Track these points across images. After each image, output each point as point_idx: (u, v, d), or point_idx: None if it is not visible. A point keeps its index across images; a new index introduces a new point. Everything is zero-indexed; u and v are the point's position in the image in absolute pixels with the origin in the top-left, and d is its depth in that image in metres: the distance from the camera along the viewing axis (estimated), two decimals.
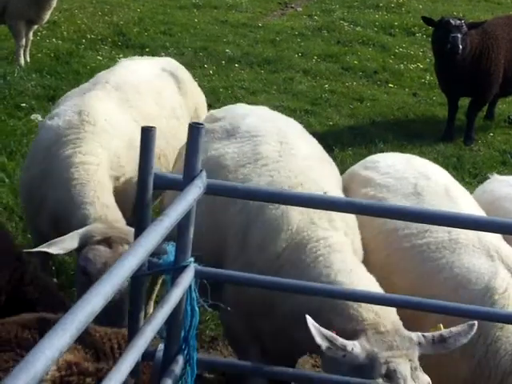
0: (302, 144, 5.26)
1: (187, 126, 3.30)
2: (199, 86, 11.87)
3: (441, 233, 4.80)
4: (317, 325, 3.73)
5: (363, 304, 4.12)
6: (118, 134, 5.78)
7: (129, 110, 6.12)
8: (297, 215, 4.62)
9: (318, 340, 3.70)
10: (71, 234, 4.88)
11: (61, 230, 5.10)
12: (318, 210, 4.51)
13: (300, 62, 13.54)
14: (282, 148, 5.07)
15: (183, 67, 7.13)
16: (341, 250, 4.52)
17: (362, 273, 4.46)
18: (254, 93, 11.94)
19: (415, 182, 5.23)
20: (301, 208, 4.48)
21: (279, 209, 4.64)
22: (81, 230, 4.91)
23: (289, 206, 4.53)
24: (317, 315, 3.92)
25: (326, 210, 4.11)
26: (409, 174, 5.34)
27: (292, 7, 17.49)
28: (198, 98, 7.04)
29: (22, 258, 5.23)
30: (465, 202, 5.12)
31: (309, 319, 3.73)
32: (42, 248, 4.79)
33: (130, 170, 5.63)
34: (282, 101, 11.66)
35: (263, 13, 16.86)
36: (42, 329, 3.92)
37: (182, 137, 5.43)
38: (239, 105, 6.09)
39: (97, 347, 3.86)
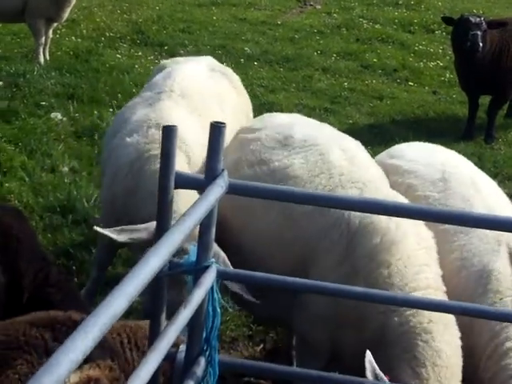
0: (356, 149, 5.32)
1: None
2: None
3: None
4: (373, 362, 3.86)
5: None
6: (192, 143, 5.63)
7: (198, 119, 5.94)
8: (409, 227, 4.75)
9: (368, 375, 3.83)
10: (147, 224, 4.73)
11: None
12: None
13: (319, 60, 13.49)
14: (346, 156, 5.15)
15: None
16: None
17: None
18: (273, 91, 11.90)
19: (443, 169, 5.31)
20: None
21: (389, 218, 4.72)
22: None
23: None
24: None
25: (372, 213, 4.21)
26: (436, 161, 5.42)
27: (311, 5, 17.43)
28: (247, 99, 6.90)
29: (47, 259, 5.22)
30: (489, 192, 5.23)
31: (368, 354, 3.87)
32: (111, 234, 4.71)
33: None
34: (301, 99, 11.62)
35: (282, 10, 16.81)
36: (52, 327, 3.92)
37: None
38: (273, 115, 6.04)
39: (108, 345, 3.84)
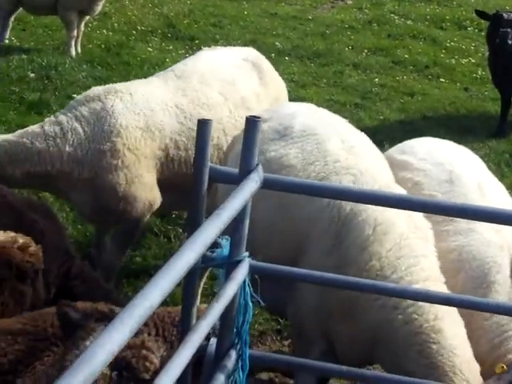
0: (359, 141, 5.25)
1: None
2: None
3: (462, 222, 4.97)
4: None
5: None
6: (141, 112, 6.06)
7: (180, 99, 6.16)
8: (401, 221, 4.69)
9: None
10: None
11: None
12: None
13: (350, 56, 13.44)
14: (344, 146, 5.07)
15: (264, 57, 7.13)
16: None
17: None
18: (303, 86, 11.86)
19: (451, 170, 5.30)
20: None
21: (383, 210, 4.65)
22: None
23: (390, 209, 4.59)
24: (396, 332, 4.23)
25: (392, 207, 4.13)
26: (445, 161, 5.41)
27: (342, 0, 17.36)
28: (280, 87, 7.05)
29: (70, 252, 5.25)
30: (495, 197, 5.19)
31: None
32: None
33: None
34: (331, 94, 11.58)
35: (313, 5, 16.74)
36: None
37: None
38: (283, 104, 6.01)
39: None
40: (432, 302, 4.11)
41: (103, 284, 5.27)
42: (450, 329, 4.43)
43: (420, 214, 4.78)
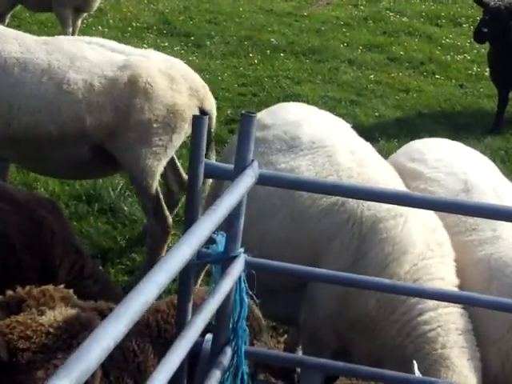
0: (366, 150, 5.25)
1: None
2: (244, 75, 11.90)
3: (487, 231, 4.87)
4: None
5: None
6: None
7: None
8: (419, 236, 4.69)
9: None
10: None
11: None
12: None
13: (345, 52, 13.44)
14: (355, 158, 5.06)
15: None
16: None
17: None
18: (298, 82, 11.86)
19: (465, 179, 5.20)
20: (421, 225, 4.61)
21: (402, 224, 4.67)
22: None
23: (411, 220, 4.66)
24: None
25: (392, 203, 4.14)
26: (458, 170, 5.30)
27: None
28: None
29: (82, 251, 5.18)
30: (511, 198, 5.11)
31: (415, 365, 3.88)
32: None
33: None
34: (327, 91, 11.57)
35: (308, 2, 16.73)
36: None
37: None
38: (284, 107, 5.81)
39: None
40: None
41: (113, 284, 5.21)
42: (457, 358, 4.48)
43: (440, 226, 4.80)
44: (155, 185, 6.55)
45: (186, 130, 6.54)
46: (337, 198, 4.77)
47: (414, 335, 4.55)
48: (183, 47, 12.92)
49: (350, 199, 4.73)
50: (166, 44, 13.03)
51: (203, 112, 6.53)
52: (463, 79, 12.79)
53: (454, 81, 12.70)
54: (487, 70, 11.76)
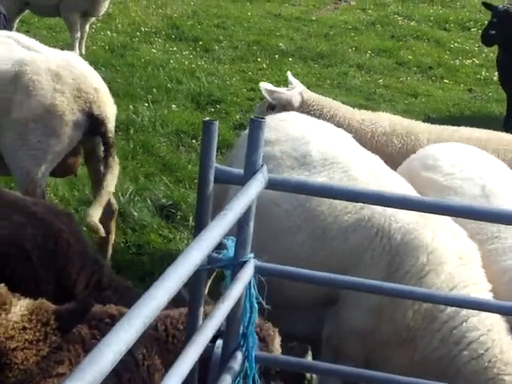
0: (378, 164, 5.21)
1: None
2: (252, 80, 11.90)
3: (509, 239, 4.80)
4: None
5: None
6: None
7: None
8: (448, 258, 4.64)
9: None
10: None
11: None
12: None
13: (354, 57, 13.45)
14: (370, 171, 5.02)
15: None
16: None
17: None
18: (307, 87, 11.80)
19: (483, 184, 5.13)
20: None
21: (432, 234, 4.64)
22: None
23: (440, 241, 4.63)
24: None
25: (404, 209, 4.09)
26: (475, 175, 5.23)
27: (346, 1, 17.37)
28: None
29: (99, 261, 5.05)
30: None
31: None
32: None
33: None
34: (335, 96, 11.52)
35: (316, 6, 16.77)
36: (89, 324, 3.98)
37: None
38: (283, 120, 5.63)
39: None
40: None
41: (134, 291, 5.05)
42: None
43: (464, 233, 4.76)
44: (39, 192, 6.25)
45: (69, 134, 6.24)
46: (363, 213, 4.74)
47: (464, 343, 4.45)
48: (192, 52, 12.94)
49: (377, 214, 4.71)
50: (175, 48, 13.06)
51: (92, 116, 6.29)
52: (472, 84, 12.78)
53: (462, 85, 12.70)
54: (496, 74, 11.77)
